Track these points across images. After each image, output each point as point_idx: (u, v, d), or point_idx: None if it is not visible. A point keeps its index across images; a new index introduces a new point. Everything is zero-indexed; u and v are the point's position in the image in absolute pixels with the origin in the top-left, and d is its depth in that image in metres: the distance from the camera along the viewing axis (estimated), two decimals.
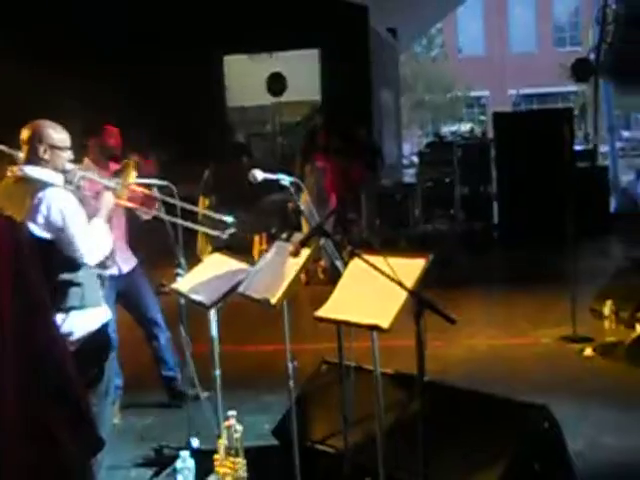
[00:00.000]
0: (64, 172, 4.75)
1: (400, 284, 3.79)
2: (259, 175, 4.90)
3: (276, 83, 18.02)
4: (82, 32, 16.35)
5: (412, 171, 21.18)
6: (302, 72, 18.41)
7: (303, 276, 12.25)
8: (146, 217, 6.50)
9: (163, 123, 15.66)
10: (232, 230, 6.45)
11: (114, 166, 6.33)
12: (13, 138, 4.84)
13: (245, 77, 18.85)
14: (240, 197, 12.23)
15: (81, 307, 4.62)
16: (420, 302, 3.73)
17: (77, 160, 5.07)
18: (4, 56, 14.37)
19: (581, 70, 19.92)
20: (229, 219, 6.31)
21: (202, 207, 13.42)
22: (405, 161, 28.24)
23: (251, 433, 5.80)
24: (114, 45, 16.36)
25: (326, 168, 12.85)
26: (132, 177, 5.13)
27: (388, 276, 3.82)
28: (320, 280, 12.01)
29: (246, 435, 5.18)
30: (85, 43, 16.36)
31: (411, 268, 3.95)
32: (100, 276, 5.01)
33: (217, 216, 6.54)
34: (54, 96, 11.08)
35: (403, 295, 3.81)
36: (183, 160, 13.78)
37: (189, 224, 5.93)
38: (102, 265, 4.95)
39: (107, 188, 4.98)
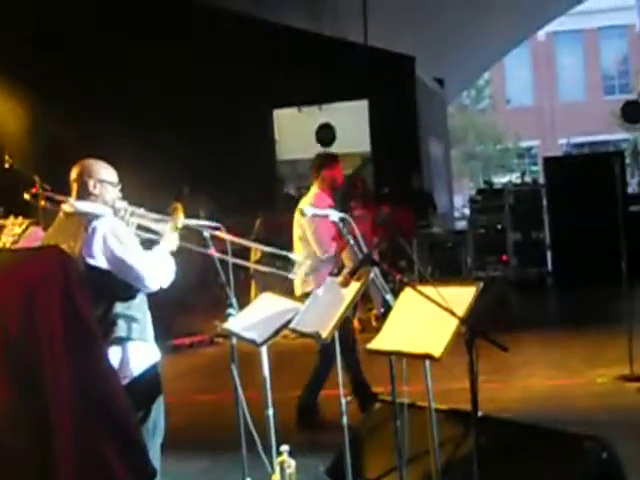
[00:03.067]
0: (113, 208, 4.84)
1: (451, 312, 3.77)
2: (308, 210, 4.93)
3: (325, 134, 18.09)
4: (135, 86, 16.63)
5: (464, 223, 21.11)
6: (351, 123, 18.49)
7: (357, 324, 12.29)
8: None
9: (214, 175, 15.82)
10: (303, 269, 6.52)
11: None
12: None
13: (295, 130, 19.00)
14: (291, 247, 12.29)
15: (137, 339, 4.66)
16: (471, 330, 3.71)
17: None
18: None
19: (631, 112, 19.78)
20: (296, 257, 6.37)
21: (254, 257, 13.51)
22: (457, 213, 28.19)
23: (305, 475, 5.76)
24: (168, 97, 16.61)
25: (363, 216, 12.70)
26: (180, 220, 5.17)
27: (439, 305, 3.80)
28: (374, 328, 11.97)
29: (300, 477, 5.14)
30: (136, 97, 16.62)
31: (462, 296, 3.93)
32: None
33: (283, 253, 6.61)
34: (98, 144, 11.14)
35: (454, 323, 3.79)
36: (234, 212, 13.88)
37: (246, 263, 5.97)
38: None
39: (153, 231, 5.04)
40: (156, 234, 5.06)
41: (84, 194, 4.78)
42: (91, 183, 4.77)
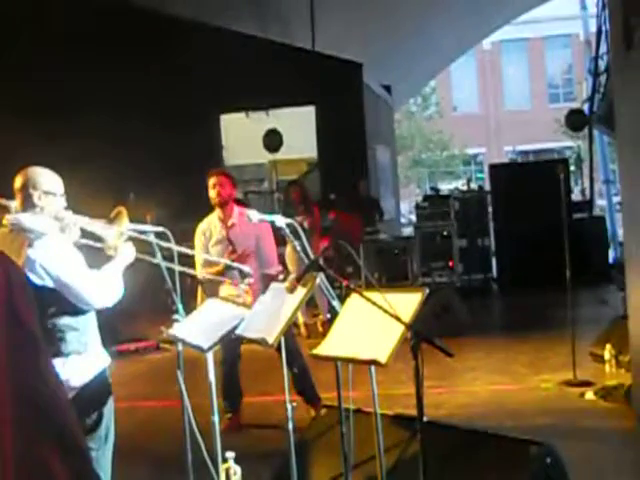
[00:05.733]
0: (59, 219, 4.75)
1: (397, 318, 3.78)
2: (254, 216, 4.93)
3: (272, 139, 18.08)
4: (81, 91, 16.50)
5: (410, 229, 21.22)
6: (298, 129, 18.50)
7: (304, 330, 12.29)
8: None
9: (161, 181, 15.70)
10: (250, 280, 6.53)
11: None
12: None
13: (242, 135, 18.95)
14: None
15: (81, 352, 4.61)
16: (417, 336, 3.72)
17: None
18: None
19: (575, 120, 20.06)
20: (247, 269, 6.38)
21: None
22: (403, 219, 28.28)
23: None
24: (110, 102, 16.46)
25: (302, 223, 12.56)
26: (125, 224, 5.10)
27: (385, 310, 3.81)
28: (320, 333, 11.97)
29: None
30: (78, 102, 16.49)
31: (408, 302, 3.94)
32: None
33: (236, 266, 6.62)
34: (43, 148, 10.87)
35: (400, 329, 3.80)
36: (181, 217, 13.80)
37: (188, 270, 5.95)
38: None
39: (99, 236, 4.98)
40: (101, 241, 4.99)
41: (28, 206, 4.66)
42: (36, 195, 4.65)
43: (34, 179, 4.70)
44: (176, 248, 5.54)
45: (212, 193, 7.81)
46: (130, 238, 5.10)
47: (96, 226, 4.98)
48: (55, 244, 4.56)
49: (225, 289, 7.71)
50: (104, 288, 4.67)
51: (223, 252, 7.71)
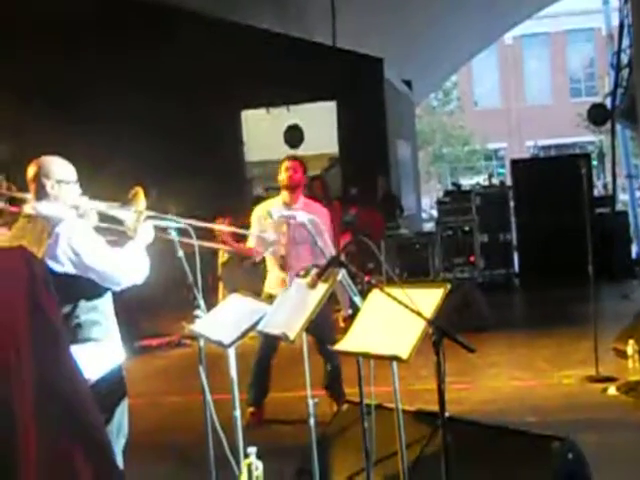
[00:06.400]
0: (74, 207, 4.76)
1: (418, 314, 3.77)
2: (276, 213, 4.93)
3: (293, 135, 18.10)
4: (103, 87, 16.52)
5: (431, 225, 21.21)
6: (319, 125, 18.51)
7: None
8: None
9: (182, 178, 15.72)
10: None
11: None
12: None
13: (263, 131, 18.97)
14: None
15: (99, 339, 4.61)
16: (439, 331, 3.71)
17: None
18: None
19: (597, 114, 20.00)
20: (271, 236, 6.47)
21: (222, 259, 13.52)
22: (424, 215, 28.24)
23: (272, 477, 5.73)
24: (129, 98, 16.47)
25: None
26: (141, 205, 5.07)
27: (407, 306, 3.80)
28: (341, 329, 11.96)
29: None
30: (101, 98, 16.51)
31: (429, 298, 3.92)
32: None
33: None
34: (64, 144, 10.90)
35: (422, 325, 3.79)
36: (202, 214, 13.81)
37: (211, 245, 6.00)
38: None
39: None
40: (120, 223, 4.99)
41: (42, 195, 4.68)
42: (49, 184, 4.67)
43: (47, 168, 4.72)
44: (197, 243, 5.55)
45: (283, 175, 7.74)
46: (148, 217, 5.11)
47: (114, 209, 4.97)
48: (75, 228, 4.57)
49: (270, 280, 7.77)
50: (130, 264, 4.70)
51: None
